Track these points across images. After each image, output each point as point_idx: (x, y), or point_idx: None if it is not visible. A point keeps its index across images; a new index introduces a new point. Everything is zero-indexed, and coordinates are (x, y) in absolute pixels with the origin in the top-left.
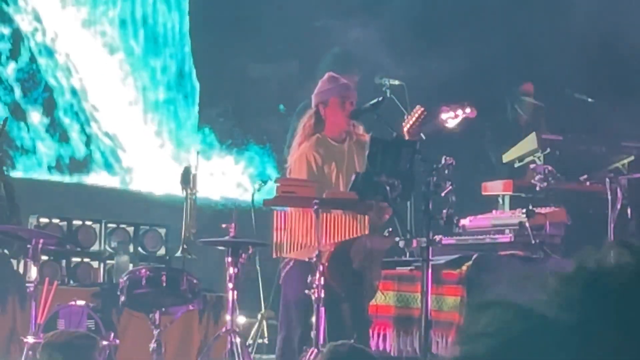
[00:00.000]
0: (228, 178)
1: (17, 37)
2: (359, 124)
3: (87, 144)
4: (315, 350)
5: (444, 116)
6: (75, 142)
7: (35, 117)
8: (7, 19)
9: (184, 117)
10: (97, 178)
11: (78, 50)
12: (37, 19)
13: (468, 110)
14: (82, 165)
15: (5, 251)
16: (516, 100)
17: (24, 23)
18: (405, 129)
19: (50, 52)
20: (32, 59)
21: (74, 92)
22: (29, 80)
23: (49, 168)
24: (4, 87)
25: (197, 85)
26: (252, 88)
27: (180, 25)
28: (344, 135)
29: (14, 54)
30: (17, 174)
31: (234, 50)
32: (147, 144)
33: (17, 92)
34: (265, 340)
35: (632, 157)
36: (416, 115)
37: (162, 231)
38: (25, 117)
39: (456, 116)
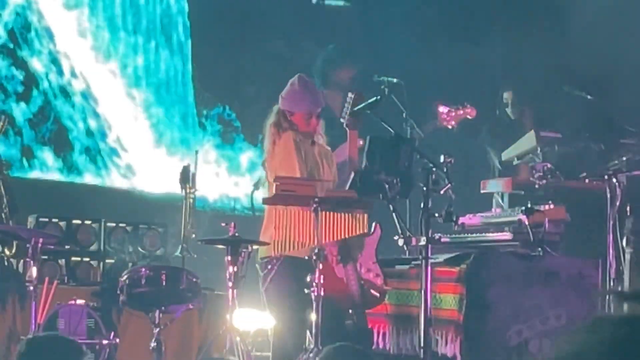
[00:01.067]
0: (227, 177)
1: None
2: (323, 135)
3: (86, 143)
4: (315, 350)
5: (443, 115)
6: (75, 141)
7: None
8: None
9: (183, 116)
10: (97, 178)
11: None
12: None
13: (468, 109)
14: (80, 164)
15: (5, 251)
16: (501, 106)
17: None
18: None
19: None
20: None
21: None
22: None
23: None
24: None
25: (195, 83)
26: (252, 85)
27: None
28: (312, 137)
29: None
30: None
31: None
32: (146, 143)
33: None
34: (266, 338)
35: (631, 155)
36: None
37: (162, 230)
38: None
39: (456, 115)
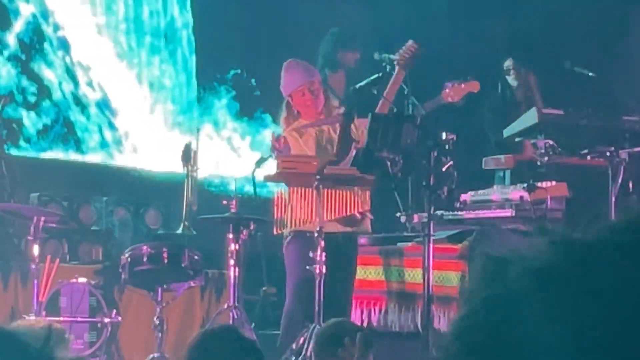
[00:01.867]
0: (229, 154)
1: None
2: (333, 98)
3: (88, 121)
4: (317, 326)
5: (447, 91)
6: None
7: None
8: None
9: (184, 93)
10: (99, 156)
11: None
12: None
13: (471, 83)
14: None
15: (8, 230)
16: (502, 78)
17: None
18: (397, 61)
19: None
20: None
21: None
22: None
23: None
24: None
25: (194, 58)
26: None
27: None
28: (322, 116)
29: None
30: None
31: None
32: (147, 121)
33: None
34: (269, 316)
35: (633, 132)
36: (408, 49)
37: (164, 208)
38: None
39: (460, 90)
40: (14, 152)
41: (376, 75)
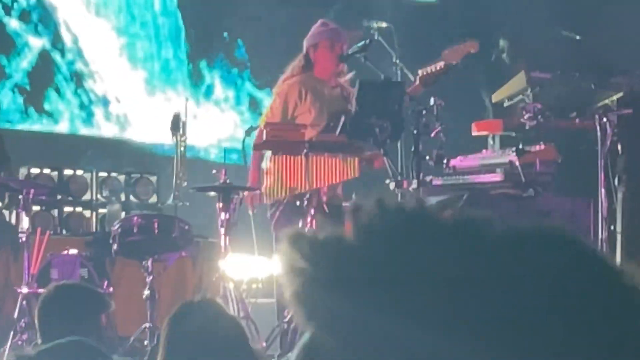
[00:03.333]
0: (218, 124)
1: None
2: (346, 72)
3: (77, 93)
4: None
5: (447, 52)
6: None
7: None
8: None
9: (173, 62)
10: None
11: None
12: None
13: (470, 44)
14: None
15: None
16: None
17: None
18: (419, 76)
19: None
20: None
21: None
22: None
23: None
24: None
25: (183, 28)
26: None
27: None
28: (333, 81)
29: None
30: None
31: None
32: (136, 92)
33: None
34: (260, 285)
35: (621, 93)
36: (437, 68)
37: (154, 179)
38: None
39: (458, 51)
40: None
41: (363, 42)
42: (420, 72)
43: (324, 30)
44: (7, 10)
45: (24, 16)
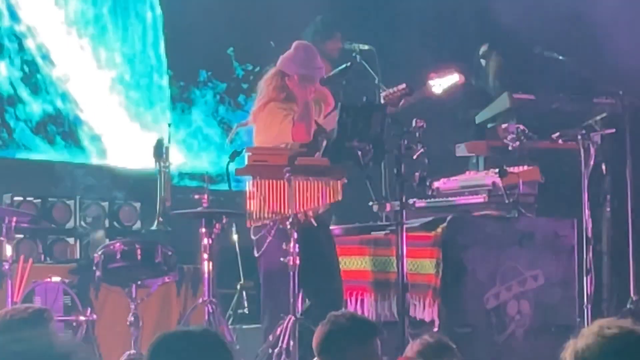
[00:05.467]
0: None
1: None
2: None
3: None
4: (293, 318)
5: (431, 83)
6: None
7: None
8: None
9: (155, 89)
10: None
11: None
12: None
13: (456, 76)
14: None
15: None
16: (478, 67)
17: None
18: (382, 97)
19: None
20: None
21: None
22: None
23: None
24: None
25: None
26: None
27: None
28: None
29: None
30: None
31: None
32: (117, 118)
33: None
34: (245, 310)
35: (604, 114)
36: (398, 89)
37: (137, 205)
38: None
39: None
40: None
41: (345, 65)
42: (383, 93)
43: (306, 70)
44: None
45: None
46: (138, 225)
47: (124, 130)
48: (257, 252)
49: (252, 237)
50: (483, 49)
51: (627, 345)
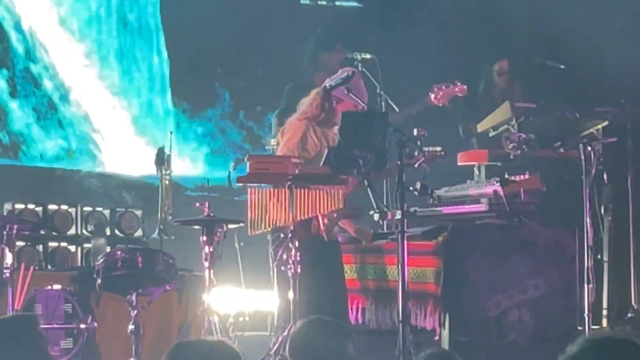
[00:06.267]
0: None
1: None
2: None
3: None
4: (293, 326)
5: (435, 94)
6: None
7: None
8: None
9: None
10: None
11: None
12: None
13: (458, 87)
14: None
15: None
16: (488, 79)
17: None
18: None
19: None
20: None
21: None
22: None
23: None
24: None
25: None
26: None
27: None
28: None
29: None
30: None
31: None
32: (120, 127)
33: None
34: (247, 318)
35: (606, 122)
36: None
37: (139, 213)
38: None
39: (447, 93)
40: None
41: (346, 75)
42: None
43: (358, 97)
44: None
45: None
46: (139, 233)
47: (128, 141)
48: (275, 262)
49: (270, 248)
50: (502, 64)
51: (607, 348)
